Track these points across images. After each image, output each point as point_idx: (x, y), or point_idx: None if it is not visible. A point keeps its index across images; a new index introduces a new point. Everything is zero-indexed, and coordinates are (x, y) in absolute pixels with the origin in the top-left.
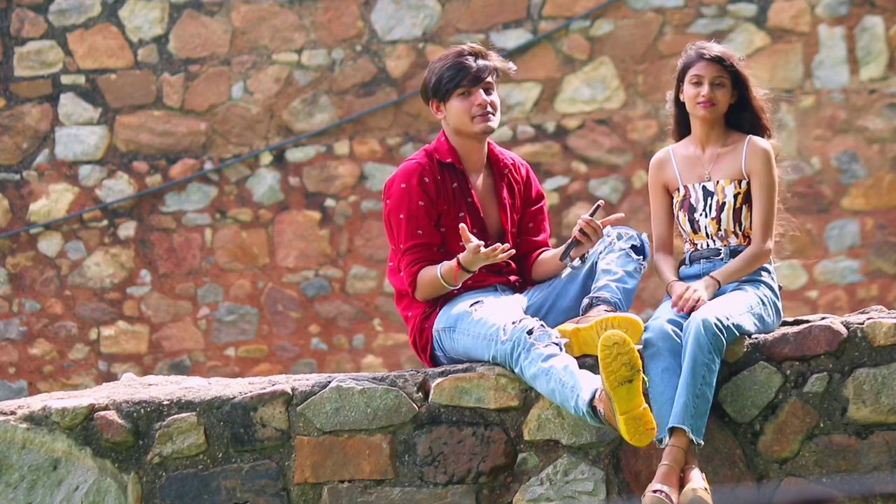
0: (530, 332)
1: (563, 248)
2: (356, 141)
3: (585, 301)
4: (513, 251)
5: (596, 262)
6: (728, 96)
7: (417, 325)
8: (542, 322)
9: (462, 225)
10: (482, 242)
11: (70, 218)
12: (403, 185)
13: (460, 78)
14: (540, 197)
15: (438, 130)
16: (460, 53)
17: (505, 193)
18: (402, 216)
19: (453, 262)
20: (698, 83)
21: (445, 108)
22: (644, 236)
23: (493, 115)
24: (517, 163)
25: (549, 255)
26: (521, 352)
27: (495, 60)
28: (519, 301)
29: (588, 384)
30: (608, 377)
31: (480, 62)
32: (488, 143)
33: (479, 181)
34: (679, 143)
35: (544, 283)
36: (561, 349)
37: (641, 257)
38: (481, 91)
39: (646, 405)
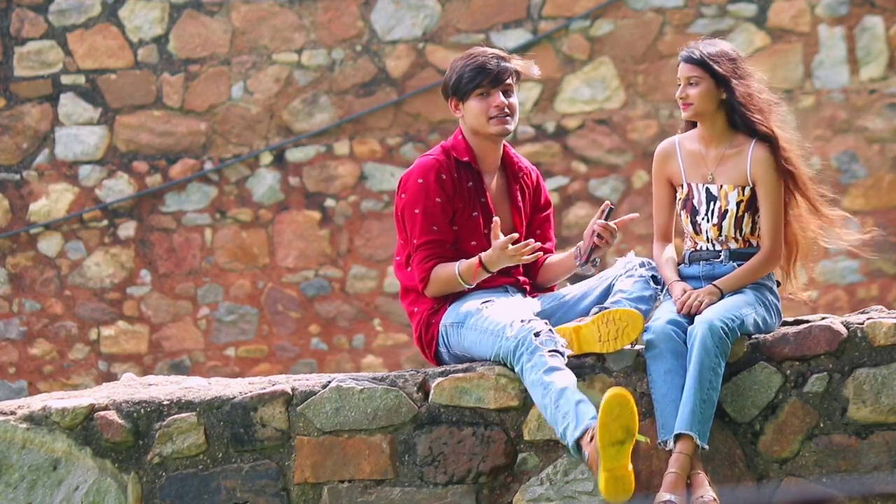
0: (537, 335)
1: (578, 249)
2: (356, 141)
3: (595, 309)
4: (540, 253)
5: (612, 284)
6: (706, 94)
7: (424, 321)
8: (550, 326)
9: (496, 218)
10: (514, 235)
11: (70, 218)
12: (421, 181)
13: (480, 79)
14: (548, 204)
15: (438, 130)
16: (483, 54)
17: (518, 196)
18: (417, 211)
19: (474, 260)
20: (680, 84)
21: (464, 107)
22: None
23: (511, 117)
24: (528, 168)
25: (556, 259)
26: (523, 352)
27: (517, 63)
28: (531, 304)
29: (581, 417)
30: (603, 435)
31: (502, 64)
32: (504, 145)
33: (493, 182)
34: (686, 135)
35: (557, 294)
36: (564, 357)
37: (659, 287)
38: (500, 93)
39: (631, 467)
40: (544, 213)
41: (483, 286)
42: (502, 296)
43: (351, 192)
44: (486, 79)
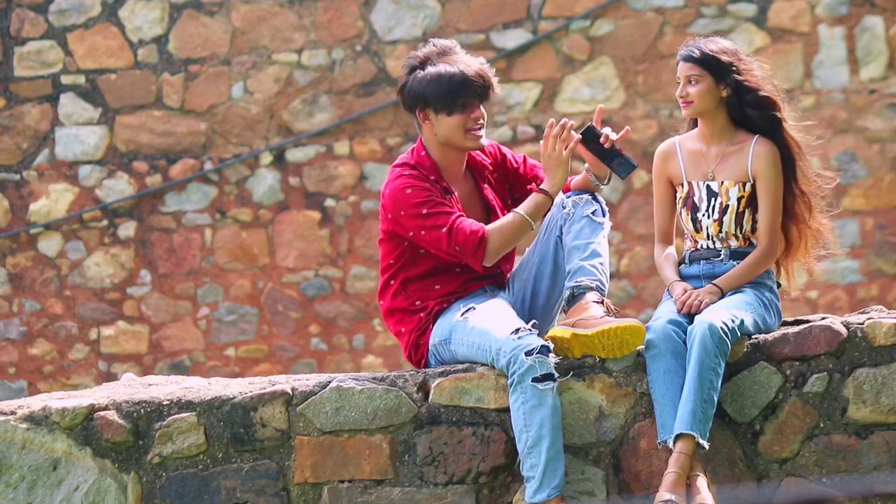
0: (529, 353)
1: (591, 174)
2: (356, 141)
3: (567, 292)
4: (574, 125)
5: (560, 237)
6: (706, 92)
7: (412, 342)
8: (543, 341)
9: (565, 119)
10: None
11: (70, 218)
12: (409, 190)
13: (468, 92)
14: (519, 162)
15: None
16: (462, 69)
17: (489, 194)
18: (425, 211)
19: (531, 197)
20: (679, 83)
21: (437, 118)
22: (599, 196)
23: (483, 129)
24: (486, 152)
25: (580, 182)
26: (515, 371)
27: (487, 72)
28: (505, 300)
29: (547, 481)
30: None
31: (483, 75)
32: None
33: (460, 186)
34: (686, 136)
35: (518, 271)
36: (555, 380)
37: (603, 219)
38: (479, 105)
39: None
40: (522, 173)
41: (463, 294)
42: (483, 299)
43: (351, 192)
44: (474, 93)
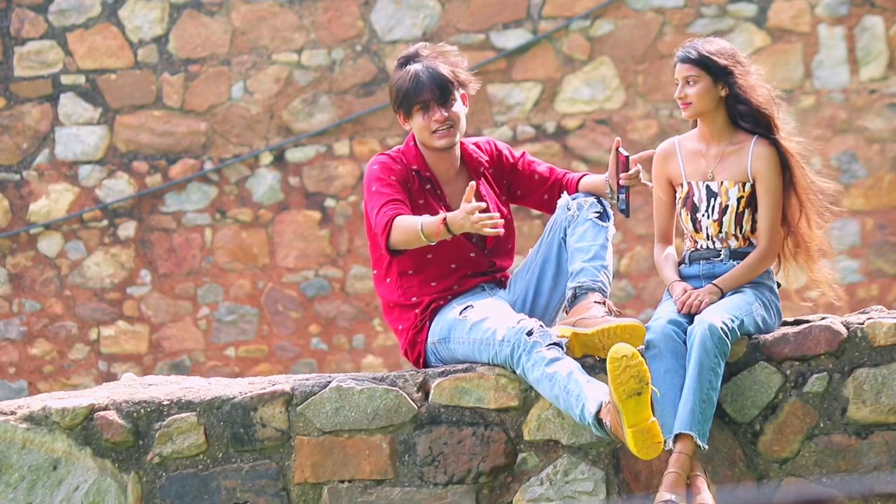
0: (530, 333)
1: (609, 187)
2: (356, 141)
3: (569, 292)
4: (502, 231)
5: (564, 238)
6: (704, 93)
7: (410, 339)
8: (540, 322)
9: (472, 182)
10: (481, 205)
11: (70, 218)
12: (375, 167)
13: (416, 96)
14: (515, 160)
15: None
16: (417, 71)
17: (484, 191)
18: (374, 188)
19: (438, 217)
20: (678, 85)
21: (409, 120)
22: (604, 199)
23: (453, 128)
24: (483, 154)
25: (590, 183)
26: (521, 353)
27: (450, 72)
28: (504, 300)
29: (594, 394)
30: (617, 389)
31: (436, 77)
32: (460, 144)
33: (453, 185)
34: (686, 136)
35: (520, 272)
36: (562, 348)
37: (608, 222)
38: (439, 107)
39: (654, 418)
40: (521, 164)
41: (459, 291)
42: (479, 297)
43: (351, 192)
44: (421, 96)
